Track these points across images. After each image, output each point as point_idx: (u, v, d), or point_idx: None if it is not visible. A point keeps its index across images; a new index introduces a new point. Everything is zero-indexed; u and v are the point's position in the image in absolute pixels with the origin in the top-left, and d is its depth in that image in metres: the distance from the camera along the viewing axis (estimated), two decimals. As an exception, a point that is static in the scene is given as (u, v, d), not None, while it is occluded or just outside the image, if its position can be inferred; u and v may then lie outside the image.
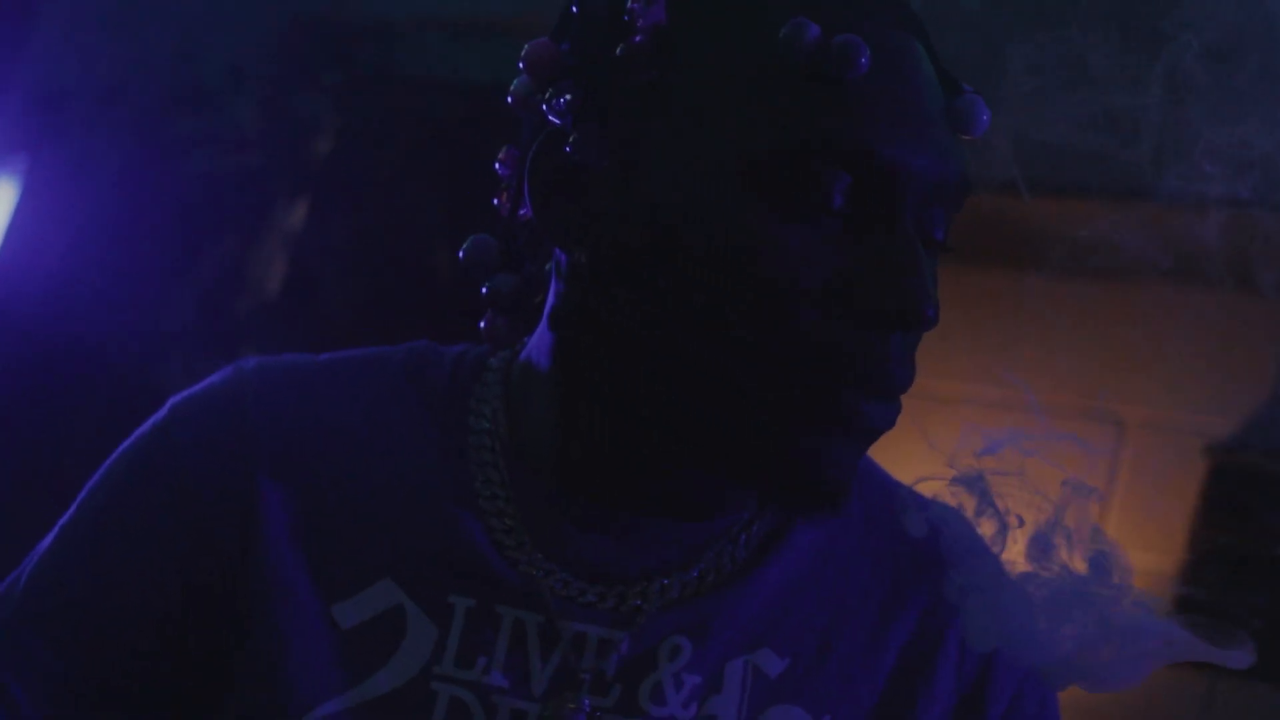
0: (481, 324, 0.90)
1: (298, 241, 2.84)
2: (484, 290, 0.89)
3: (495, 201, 0.89)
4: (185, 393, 0.92)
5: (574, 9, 0.83)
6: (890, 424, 0.80)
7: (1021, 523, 0.76)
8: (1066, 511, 0.75)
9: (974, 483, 0.76)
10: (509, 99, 0.85)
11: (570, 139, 0.80)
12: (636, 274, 0.79)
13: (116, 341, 2.71)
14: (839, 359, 0.77)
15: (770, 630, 0.88)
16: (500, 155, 0.89)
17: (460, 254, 0.89)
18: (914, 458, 0.90)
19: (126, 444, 0.92)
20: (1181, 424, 2.13)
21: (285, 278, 2.83)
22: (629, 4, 0.79)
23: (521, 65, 0.83)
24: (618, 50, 0.79)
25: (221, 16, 2.86)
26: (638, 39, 0.79)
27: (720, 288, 0.77)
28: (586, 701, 0.85)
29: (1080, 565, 0.74)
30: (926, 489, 0.80)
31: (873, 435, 0.80)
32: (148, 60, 2.86)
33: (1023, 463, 0.76)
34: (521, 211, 0.86)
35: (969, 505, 0.77)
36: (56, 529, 0.91)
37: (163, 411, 0.92)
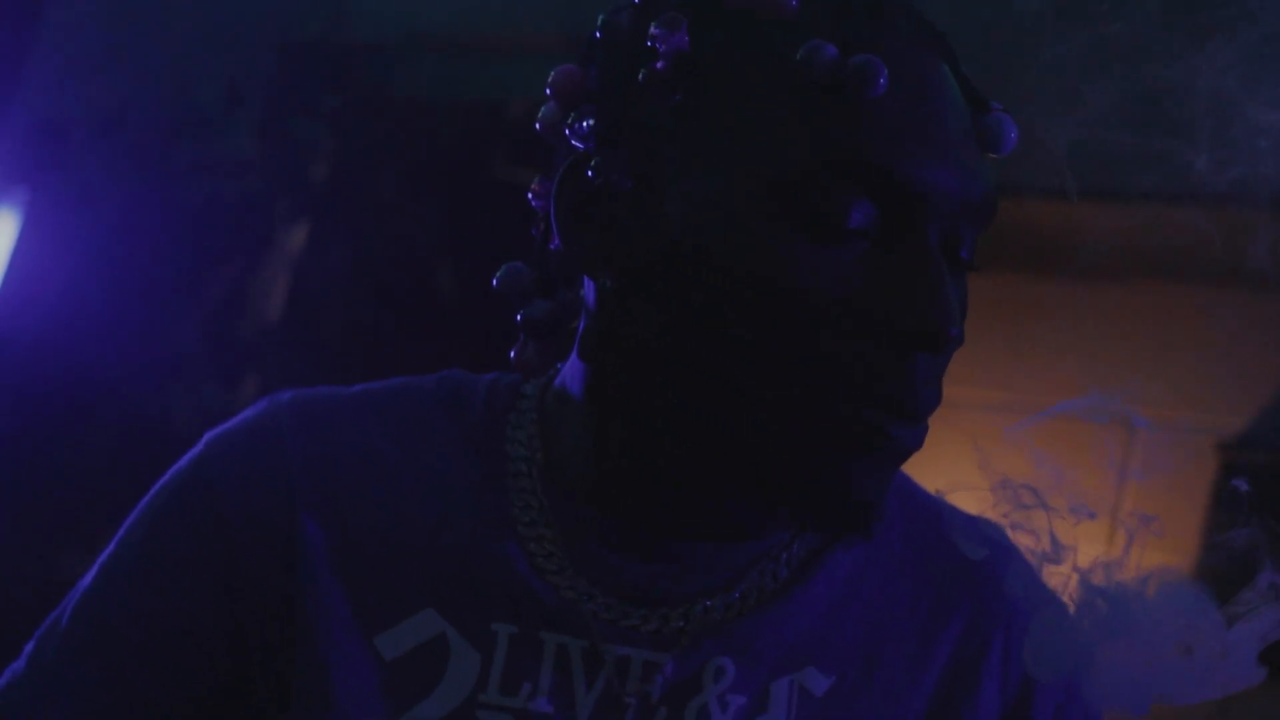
0: (512, 353, 0.90)
1: (299, 263, 2.84)
2: (519, 318, 0.89)
3: (532, 231, 0.89)
4: (220, 427, 0.92)
5: (598, 34, 0.84)
6: (918, 445, 0.80)
7: (1093, 515, 0.75)
8: (1133, 539, 0.74)
9: (1019, 494, 0.76)
10: (537, 126, 0.85)
11: (592, 163, 0.81)
12: (659, 295, 0.79)
13: (121, 368, 2.71)
14: (863, 379, 0.76)
15: (815, 649, 0.87)
16: (533, 186, 0.90)
17: (495, 281, 0.89)
18: (939, 462, 0.90)
19: (164, 479, 0.92)
20: (1192, 423, 2.13)
21: (288, 300, 2.83)
22: (652, 29, 0.79)
23: (549, 91, 0.84)
24: (640, 75, 0.80)
25: (217, 43, 2.86)
26: (660, 65, 0.79)
27: (740, 307, 0.77)
28: None
29: (1141, 588, 0.74)
30: (965, 500, 0.79)
31: (900, 457, 0.80)
32: (145, 89, 2.86)
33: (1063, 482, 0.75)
34: (552, 244, 0.86)
35: (1023, 520, 0.76)
36: (97, 565, 0.92)
37: (198, 446, 0.92)
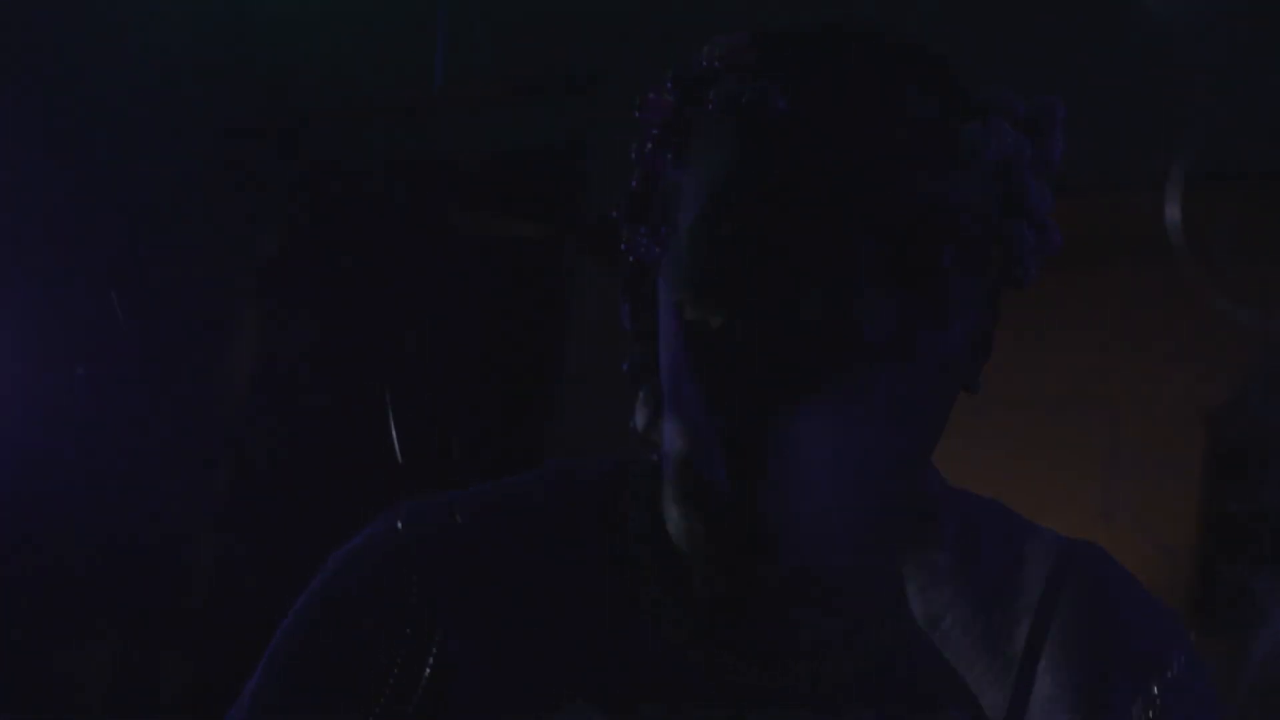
0: (633, 422, 0.93)
1: (266, 341, 2.84)
2: (641, 393, 0.92)
3: None
4: (345, 548, 0.94)
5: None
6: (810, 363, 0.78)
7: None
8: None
9: None
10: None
11: (624, 237, 0.86)
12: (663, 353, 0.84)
13: (100, 465, 2.71)
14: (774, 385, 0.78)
15: (950, 690, 0.88)
16: None
17: (624, 365, 0.92)
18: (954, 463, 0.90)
19: (299, 603, 0.93)
20: (1176, 396, 2.13)
21: (259, 380, 2.83)
22: (644, 97, 0.85)
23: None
24: (633, 146, 0.85)
25: (161, 133, 2.87)
26: (652, 131, 0.84)
27: (685, 345, 0.80)
28: None
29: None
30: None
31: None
32: (92, 186, 2.87)
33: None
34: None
35: None
36: (247, 695, 0.93)
37: (327, 569, 0.93)
